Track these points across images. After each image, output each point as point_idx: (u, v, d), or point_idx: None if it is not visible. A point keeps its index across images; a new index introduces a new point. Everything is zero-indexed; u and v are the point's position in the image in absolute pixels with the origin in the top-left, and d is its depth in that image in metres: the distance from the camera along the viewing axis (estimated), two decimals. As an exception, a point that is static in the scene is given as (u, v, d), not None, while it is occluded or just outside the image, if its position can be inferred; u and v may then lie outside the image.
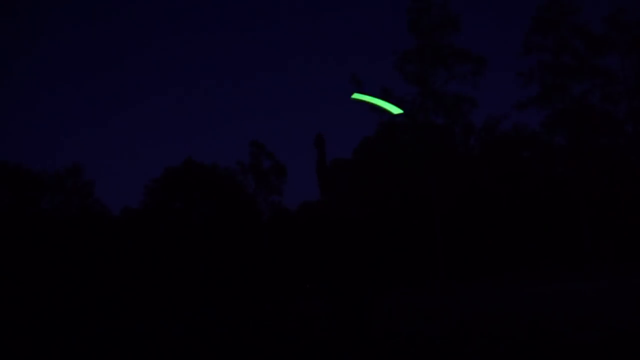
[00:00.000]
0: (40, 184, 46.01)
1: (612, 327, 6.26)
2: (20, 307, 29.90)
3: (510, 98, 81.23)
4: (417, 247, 40.10)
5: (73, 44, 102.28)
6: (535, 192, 42.08)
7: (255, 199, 49.67)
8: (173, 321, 13.77)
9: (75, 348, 8.32)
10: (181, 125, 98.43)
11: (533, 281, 23.43)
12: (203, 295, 39.88)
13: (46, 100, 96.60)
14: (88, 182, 47.93)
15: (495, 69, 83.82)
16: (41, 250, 41.46)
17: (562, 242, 40.17)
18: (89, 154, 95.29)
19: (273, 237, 47.80)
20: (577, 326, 6.69)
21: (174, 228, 46.48)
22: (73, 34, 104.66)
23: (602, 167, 37.68)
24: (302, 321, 10.92)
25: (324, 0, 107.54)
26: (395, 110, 5.11)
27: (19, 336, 11.06)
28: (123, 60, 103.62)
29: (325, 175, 4.67)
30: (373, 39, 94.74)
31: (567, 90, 36.50)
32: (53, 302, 34.06)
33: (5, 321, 17.14)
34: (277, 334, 8.35)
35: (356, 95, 5.05)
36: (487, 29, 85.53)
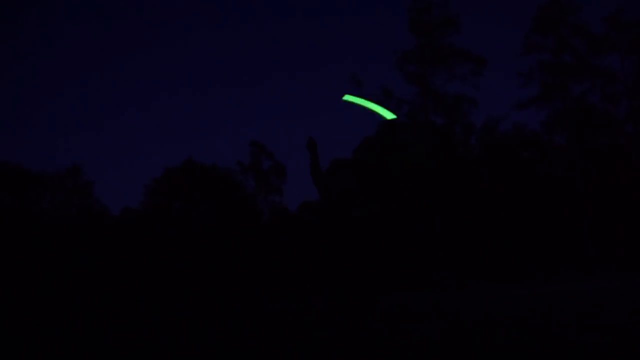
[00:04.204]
0: (40, 184, 46.03)
1: (612, 328, 6.25)
2: (20, 307, 29.91)
3: (510, 98, 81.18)
4: (417, 247, 40.09)
5: (73, 44, 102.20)
6: (536, 192, 42.07)
7: (255, 199, 49.69)
8: (174, 322, 13.78)
9: (75, 348, 8.32)
10: (181, 125, 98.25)
11: (533, 281, 23.42)
12: (203, 295, 39.88)
13: (46, 101, 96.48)
14: (88, 182, 47.96)
15: (495, 69, 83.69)
16: (41, 250, 41.47)
17: (563, 242, 40.15)
18: (89, 154, 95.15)
19: (273, 237, 47.79)
20: (577, 327, 6.69)
21: (174, 228, 46.49)
22: (73, 34, 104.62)
23: (602, 167, 37.70)
24: (301, 321, 10.92)
25: (324, 0, 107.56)
26: (389, 115, 4.76)
27: (19, 336, 11.07)
28: (123, 60, 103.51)
29: (320, 178, 4.66)
30: (373, 39, 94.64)
31: (567, 90, 36.57)
32: (53, 302, 34.07)
33: (5, 321, 17.15)
34: (277, 334, 8.34)
35: (348, 97, 4.71)
36: (487, 29, 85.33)
